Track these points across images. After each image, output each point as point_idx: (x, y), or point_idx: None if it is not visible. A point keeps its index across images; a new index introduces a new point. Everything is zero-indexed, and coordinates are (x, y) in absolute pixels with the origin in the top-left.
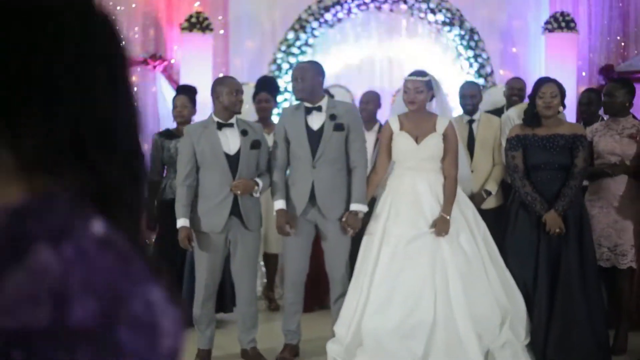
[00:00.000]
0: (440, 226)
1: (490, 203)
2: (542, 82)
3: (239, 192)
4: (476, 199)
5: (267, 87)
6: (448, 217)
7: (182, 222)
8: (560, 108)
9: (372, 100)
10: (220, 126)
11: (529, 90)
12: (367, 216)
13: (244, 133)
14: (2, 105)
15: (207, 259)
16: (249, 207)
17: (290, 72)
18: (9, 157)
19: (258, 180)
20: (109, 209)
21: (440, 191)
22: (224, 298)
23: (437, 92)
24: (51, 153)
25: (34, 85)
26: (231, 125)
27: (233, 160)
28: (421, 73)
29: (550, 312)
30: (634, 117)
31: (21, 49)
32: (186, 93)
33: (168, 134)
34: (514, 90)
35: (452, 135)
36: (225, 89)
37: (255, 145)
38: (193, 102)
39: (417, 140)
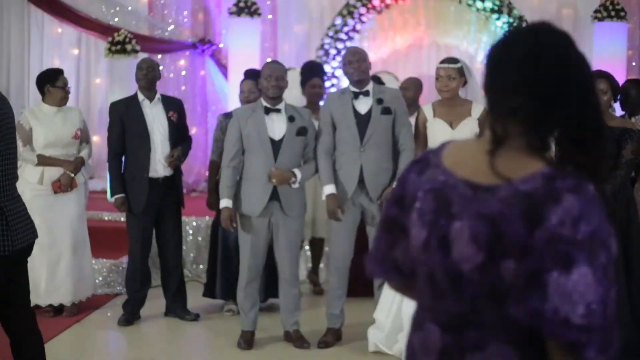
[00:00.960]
0: None
1: None
2: (596, 74)
3: (274, 181)
4: None
5: (319, 72)
6: None
7: (225, 202)
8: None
9: (412, 86)
10: (267, 111)
11: None
12: None
13: (291, 119)
14: (539, 113)
15: (250, 242)
16: (289, 193)
17: (337, 58)
18: (525, 143)
19: (296, 171)
20: (594, 178)
21: None
22: (274, 284)
23: (470, 79)
24: (565, 144)
25: (562, 99)
26: (279, 110)
27: (277, 146)
28: (453, 60)
29: None
30: None
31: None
32: (253, 77)
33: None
34: None
35: (487, 121)
36: (262, 74)
37: (302, 132)
38: (258, 86)
39: (452, 125)
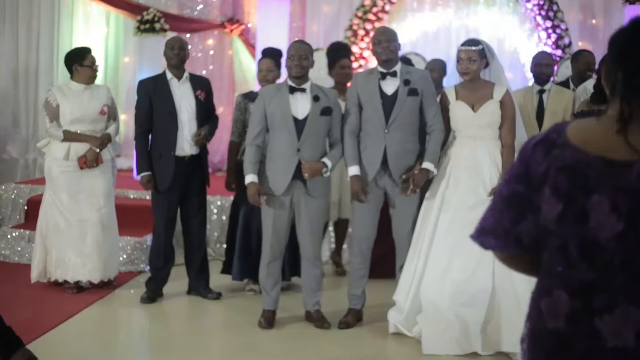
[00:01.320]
0: None
1: None
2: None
3: (306, 175)
4: None
5: (347, 53)
6: None
7: (250, 177)
8: None
9: (437, 68)
10: (292, 90)
11: None
12: (427, 183)
13: (315, 99)
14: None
15: (272, 220)
16: None
17: (365, 39)
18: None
19: (326, 160)
20: None
21: (499, 158)
22: (298, 263)
23: (492, 60)
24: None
25: None
26: (304, 90)
27: (300, 125)
28: (474, 42)
29: None
30: None
31: None
32: (271, 56)
33: (252, 96)
34: (586, 64)
35: (509, 102)
36: (287, 53)
37: (326, 111)
38: (278, 65)
39: (474, 107)
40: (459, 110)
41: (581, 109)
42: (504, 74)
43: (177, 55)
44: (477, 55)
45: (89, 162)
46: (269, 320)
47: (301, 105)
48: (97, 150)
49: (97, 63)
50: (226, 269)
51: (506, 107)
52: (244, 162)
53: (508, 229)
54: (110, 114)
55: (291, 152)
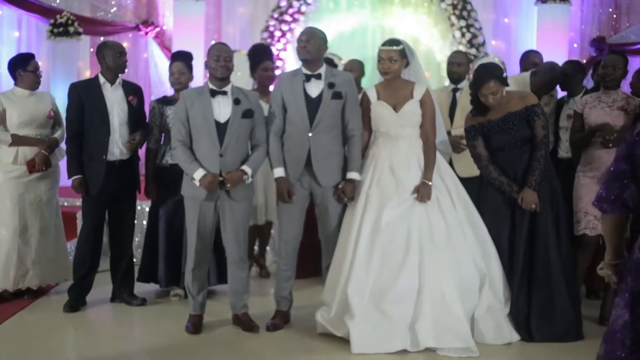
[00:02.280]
0: (423, 192)
1: (473, 171)
2: (480, 81)
3: (228, 186)
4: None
5: (269, 55)
6: (429, 183)
7: (199, 172)
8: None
9: (354, 68)
10: (214, 93)
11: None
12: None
13: (236, 102)
14: None
15: (197, 225)
16: None
17: (282, 40)
18: None
19: (245, 168)
20: None
21: (421, 157)
22: (223, 269)
23: (412, 60)
24: None
25: None
26: (225, 93)
27: (222, 129)
28: (395, 42)
29: (530, 281)
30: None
31: None
32: (183, 59)
33: (166, 101)
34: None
35: (429, 101)
36: (211, 55)
37: (247, 114)
38: (190, 68)
39: (396, 108)
40: (380, 111)
41: (470, 123)
42: (424, 73)
43: (119, 66)
44: (397, 55)
45: (37, 165)
46: (196, 325)
47: (223, 109)
48: (46, 153)
49: (41, 69)
50: (141, 277)
51: (426, 106)
52: (183, 164)
53: (617, 196)
54: (56, 119)
55: (214, 157)
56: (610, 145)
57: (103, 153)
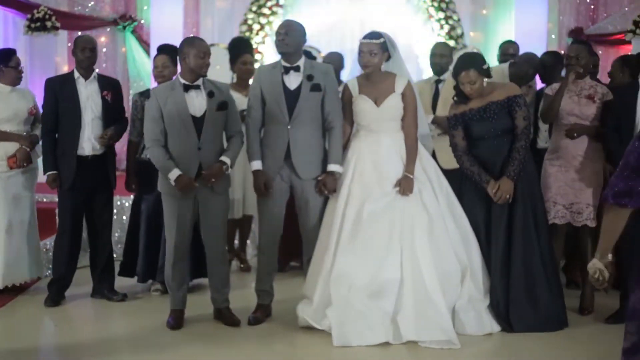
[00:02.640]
0: (405, 185)
1: (456, 163)
2: (459, 69)
3: (213, 181)
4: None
5: (249, 48)
6: (411, 176)
7: (175, 173)
8: (487, 79)
9: (333, 61)
10: (186, 88)
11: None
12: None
13: (210, 95)
14: None
15: (176, 220)
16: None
17: (260, 33)
18: None
19: (224, 158)
20: None
21: (403, 151)
22: (202, 263)
23: (393, 53)
24: None
25: None
26: (197, 87)
27: (199, 122)
28: (375, 35)
29: (509, 271)
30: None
31: None
32: (167, 52)
33: (148, 94)
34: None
35: (410, 94)
36: (193, 51)
37: (222, 106)
38: (174, 61)
39: (377, 102)
40: (362, 105)
41: (452, 112)
42: (405, 66)
43: (88, 59)
44: (378, 49)
45: (19, 161)
46: (177, 320)
47: (198, 103)
48: (27, 149)
49: (22, 64)
50: (123, 271)
51: (408, 99)
52: (157, 163)
53: (638, 190)
54: (37, 116)
55: (192, 152)
56: (575, 135)
57: (74, 148)
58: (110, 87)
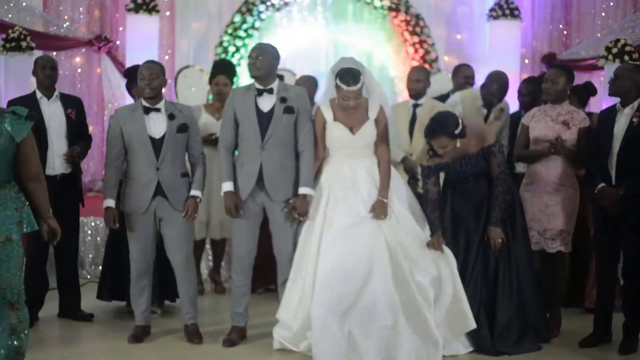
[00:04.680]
0: (379, 210)
1: None
2: (431, 134)
3: (196, 215)
4: (413, 180)
5: (225, 70)
6: (385, 201)
7: (108, 202)
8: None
9: (306, 84)
10: (147, 110)
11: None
12: None
13: (171, 117)
14: None
15: (137, 239)
16: (173, 188)
17: (236, 55)
18: None
19: (196, 193)
20: None
21: (377, 175)
22: (169, 286)
23: (366, 78)
24: None
25: None
26: (158, 109)
27: (158, 144)
28: (355, 79)
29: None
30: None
31: None
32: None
33: None
34: (465, 78)
35: (382, 119)
36: (138, 75)
37: (182, 129)
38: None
39: (353, 130)
40: (336, 132)
41: (427, 164)
42: (378, 87)
43: (49, 77)
44: (361, 89)
45: None
46: (137, 335)
47: (157, 125)
48: None
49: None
50: (104, 294)
51: (380, 124)
52: (104, 185)
53: None
54: None
55: (151, 171)
56: (553, 151)
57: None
58: (73, 105)
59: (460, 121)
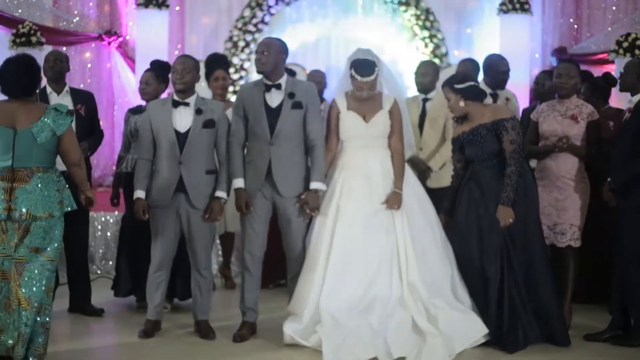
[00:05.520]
0: (393, 200)
1: (442, 182)
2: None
3: (219, 218)
4: (422, 175)
5: (222, 64)
6: (400, 192)
7: (138, 194)
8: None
9: (316, 79)
10: (176, 104)
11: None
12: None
13: (198, 112)
14: None
15: (159, 232)
16: (194, 185)
17: (246, 50)
18: None
19: (220, 194)
20: None
21: (390, 167)
22: (184, 285)
23: (381, 71)
24: None
25: None
26: (187, 104)
27: (182, 138)
28: (369, 70)
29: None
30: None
31: None
32: (152, 69)
33: (137, 110)
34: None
35: (397, 111)
36: (172, 69)
37: (209, 124)
38: (159, 78)
39: (366, 118)
40: (350, 121)
41: (453, 134)
42: (394, 80)
43: (52, 68)
44: (375, 81)
45: None
46: (148, 330)
47: (184, 119)
48: None
49: None
50: (119, 290)
51: (395, 116)
52: (135, 178)
53: None
54: None
55: (174, 165)
56: (557, 150)
57: None
58: (84, 101)
59: (472, 83)
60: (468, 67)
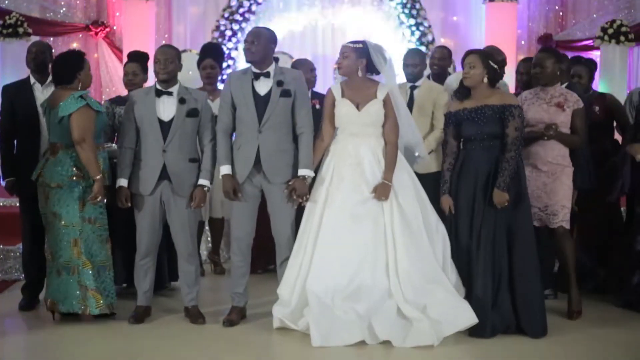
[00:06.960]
0: (381, 191)
1: (430, 167)
2: (465, 54)
3: (202, 205)
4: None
5: (212, 53)
6: (389, 183)
7: (120, 182)
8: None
9: (301, 67)
10: (159, 93)
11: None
12: (312, 181)
13: (181, 101)
14: None
15: (143, 219)
16: (178, 173)
17: (233, 39)
18: None
19: (203, 181)
20: None
21: (382, 156)
22: (174, 267)
23: (383, 67)
24: None
25: None
26: (170, 93)
27: (166, 127)
28: (355, 41)
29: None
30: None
31: None
32: (137, 60)
33: (119, 101)
34: (434, 59)
35: (390, 103)
36: (155, 59)
37: (192, 113)
38: (144, 68)
39: (359, 107)
40: (343, 108)
41: (450, 109)
42: (390, 70)
43: (34, 60)
44: (350, 51)
45: None
46: (138, 316)
47: (167, 108)
48: None
49: None
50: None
51: (388, 106)
52: (117, 165)
53: None
54: None
55: (157, 153)
56: (546, 138)
57: (35, 154)
58: None
59: (498, 67)
60: (445, 53)
